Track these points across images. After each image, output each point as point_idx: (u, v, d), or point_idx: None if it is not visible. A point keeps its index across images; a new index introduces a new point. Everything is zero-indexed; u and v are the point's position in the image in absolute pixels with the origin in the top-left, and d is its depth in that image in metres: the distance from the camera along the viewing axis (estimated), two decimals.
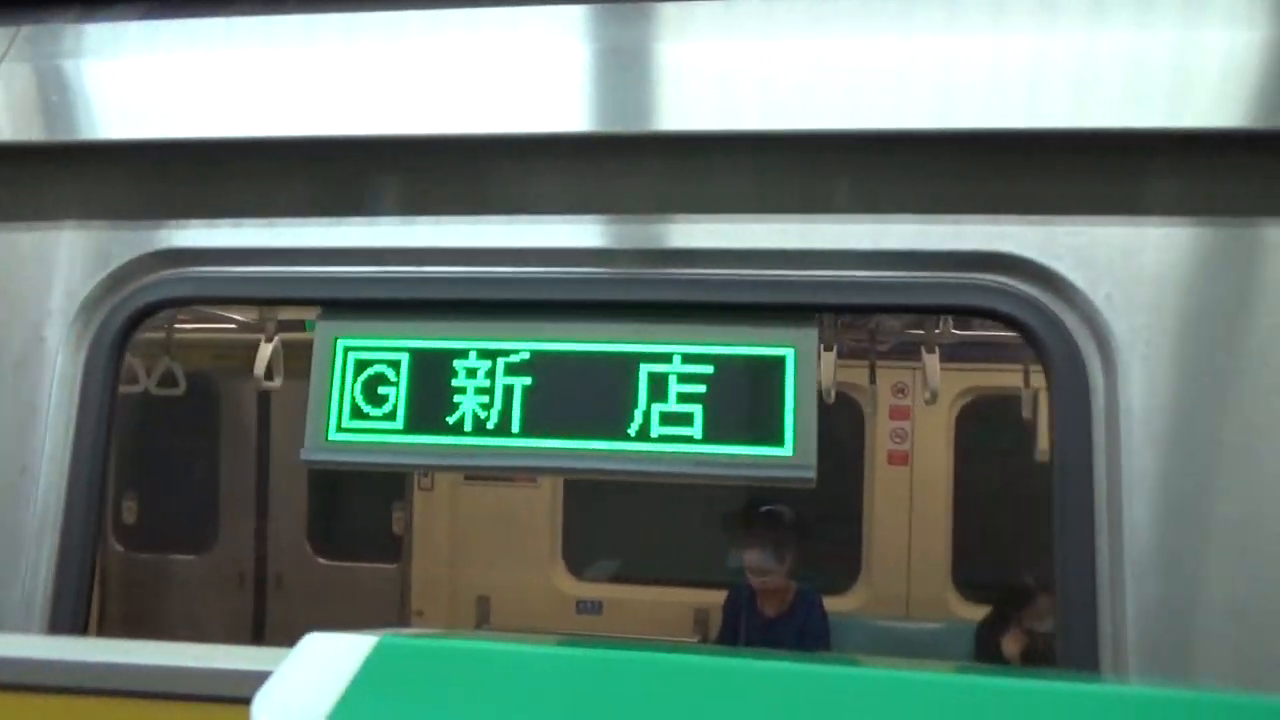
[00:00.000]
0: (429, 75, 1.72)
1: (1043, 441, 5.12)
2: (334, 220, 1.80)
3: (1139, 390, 1.52)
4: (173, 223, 1.82)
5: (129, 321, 1.82)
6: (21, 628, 1.72)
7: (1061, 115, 1.53)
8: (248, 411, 6.04)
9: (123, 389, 2.25)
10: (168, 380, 4.24)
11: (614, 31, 1.68)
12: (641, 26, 1.68)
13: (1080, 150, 1.57)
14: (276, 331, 3.19)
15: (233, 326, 4.67)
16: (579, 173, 1.73)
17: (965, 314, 1.96)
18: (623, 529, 5.66)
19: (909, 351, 4.24)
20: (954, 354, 4.54)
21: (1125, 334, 1.53)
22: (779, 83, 1.60)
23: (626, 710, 0.98)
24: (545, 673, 1.00)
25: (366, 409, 1.76)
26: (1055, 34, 1.56)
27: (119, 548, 6.15)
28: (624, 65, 1.66)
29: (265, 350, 3.14)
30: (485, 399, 1.74)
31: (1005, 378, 4.39)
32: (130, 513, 6.12)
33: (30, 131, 1.80)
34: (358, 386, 1.77)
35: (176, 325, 4.35)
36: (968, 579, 5.16)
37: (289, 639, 1.06)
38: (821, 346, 2.20)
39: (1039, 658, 4.57)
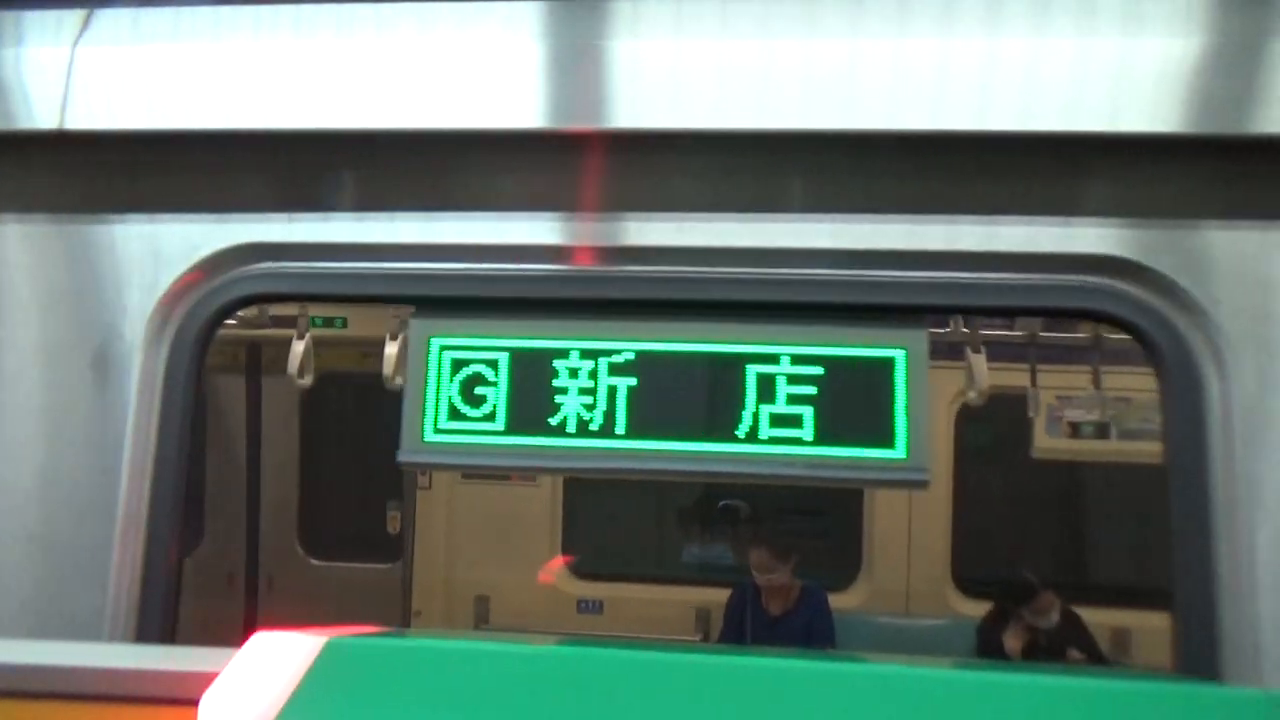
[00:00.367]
0: (522, 68, 1.68)
1: (1040, 440, 5.22)
2: (427, 215, 1.76)
3: (1253, 393, 1.54)
4: (257, 215, 1.77)
5: (213, 318, 1.76)
6: (109, 633, 1.66)
7: (1177, 120, 1.55)
8: (236, 407, 5.90)
9: None
10: None
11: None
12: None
13: (1193, 155, 1.59)
14: (308, 328, 3.12)
15: (233, 322, 4.56)
16: (689, 170, 1.71)
17: (1074, 316, 1.98)
18: (624, 527, 5.64)
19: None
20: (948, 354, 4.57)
21: (1239, 337, 1.55)
22: (903, 84, 1.59)
23: (578, 708, 0.99)
24: (493, 671, 1.01)
25: (465, 409, 1.73)
26: (1140, 40, 1.57)
27: None
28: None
29: (298, 347, 3.08)
30: (589, 400, 1.71)
31: (1003, 377, 4.43)
32: None
33: (107, 120, 1.73)
34: (455, 386, 1.74)
35: None
36: (967, 575, 5.22)
37: None
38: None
39: (1040, 653, 4.65)
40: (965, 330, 3.91)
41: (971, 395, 2.88)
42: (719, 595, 5.15)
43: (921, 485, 1.63)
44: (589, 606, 5.38)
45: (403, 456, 1.73)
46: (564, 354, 1.73)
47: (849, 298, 1.67)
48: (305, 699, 0.99)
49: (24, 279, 1.75)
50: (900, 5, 1.62)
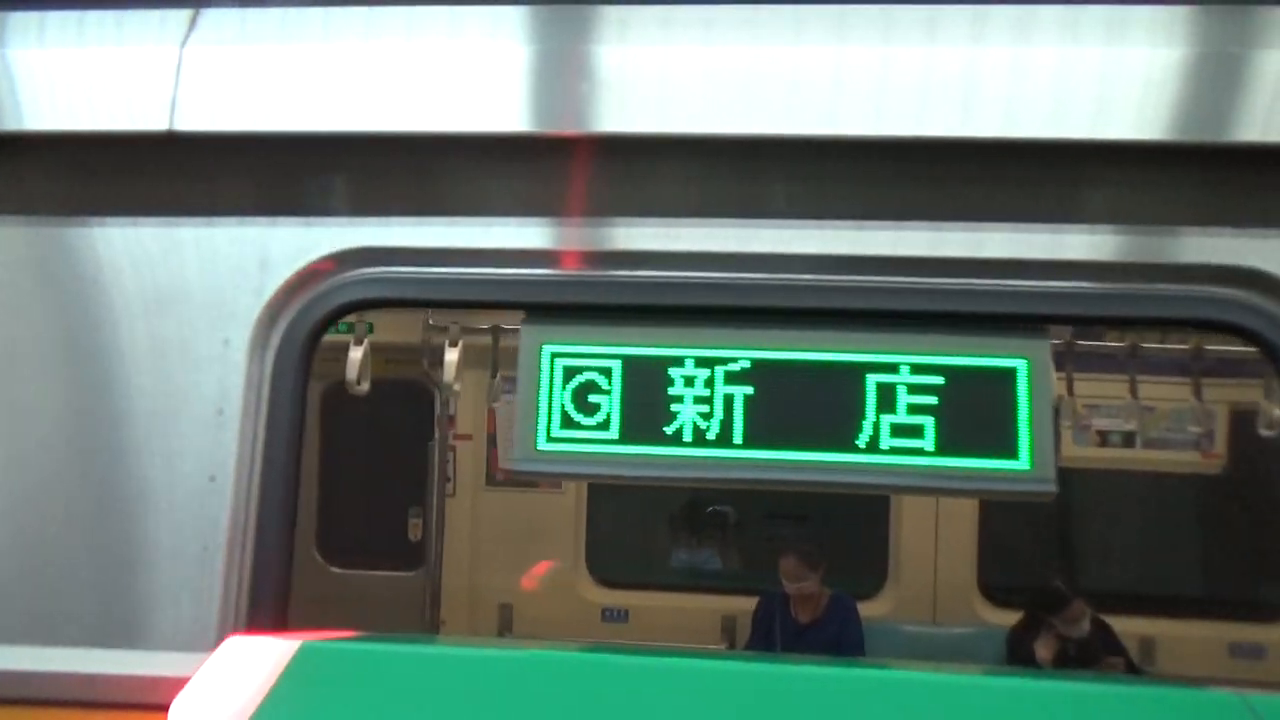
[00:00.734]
0: (648, 74, 1.67)
1: (1066, 448, 5.23)
2: (537, 220, 1.73)
3: None
4: (365, 220, 1.74)
5: (319, 323, 1.73)
6: (216, 644, 1.62)
7: None
8: None
9: None
10: None
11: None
12: None
13: None
14: (366, 334, 3.10)
15: None
16: (809, 177, 1.70)
17: (1202, 328, 1.97)
18: (648, 534, 5.62)
19: None
20: None
21: None
22: (1022, 92, 1.59)
23: (555, 713, 0.98)
24: (466, 675, 1.01)
25: (578, 417, 1.71)
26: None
27: None
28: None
29: (355, 354, 3.05)
30: (705, 409, 1.69)
31: None
32: None
33: (213, 122, 1.70)
34: (567, 394, 1.71)
35: None
36: (993, 584, 5.22)
37: None
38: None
39: (1070, 662, 4.65)
40: None
41: None
42: (745, 603, 5.13)
43: (1047, 497, 1.62)
44: (613, 615, 5.35)
45: (516, 464, 1.71)
46: (679, 362, 1.71)
47: (969, 307, 1.66)
48: (278, 703, 0.98)
49: (130, 282, 1.72)
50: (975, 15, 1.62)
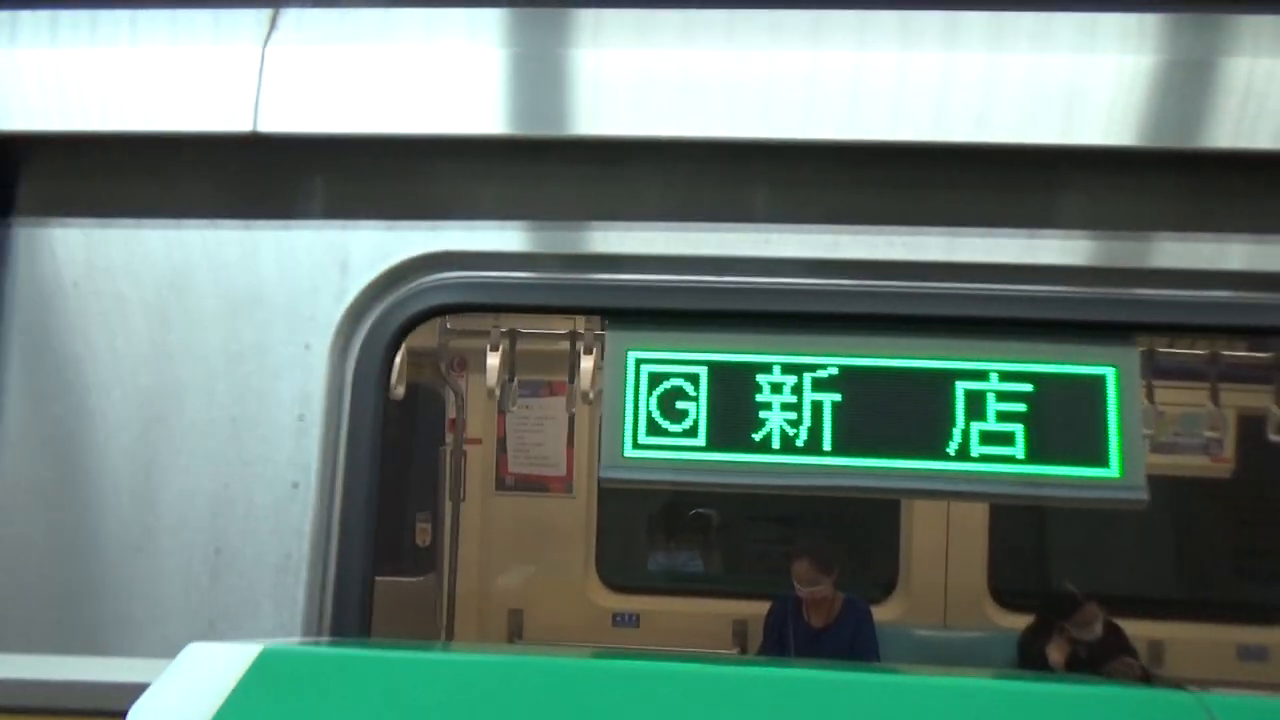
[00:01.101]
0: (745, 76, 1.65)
1: None
2: (621, 224, 1.72)
3: None
4: (449, 223, 1.72)
5: (400, 328, 1.71)
6: None
7: None
8: None
9: None
10: None
11: None
12: None
13: None
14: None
15: None
16: (899, 184, 1.69)
17: None
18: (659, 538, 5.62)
19: None
20: None
21: None
22: (1126, 99, 1.59)
23: (515, 715, 0.98)
24: (429, 680, 1.00)
25: (665, 424, 1.69)
26: None
27: None
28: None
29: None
30: (793, 415, 1.68)
31: None
32: None
33: (297, 123, 1.67)
34: (653, 401, 1.70)
35: None
36: (1004, 588, 5.26)
37: None
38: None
39: (1081, 665, 4.68)
40: None
41: None
42: (756, 608, 5.13)
43: (1139, 505, 1.62)
44: (624, 620, 5.33)
45: (604, 472, 1.69)
46: (766, 368, 1.70)
47: (1058, 314, 1.66)
48: (236, 709, 0.97)
49: (210, 285, 1.69)
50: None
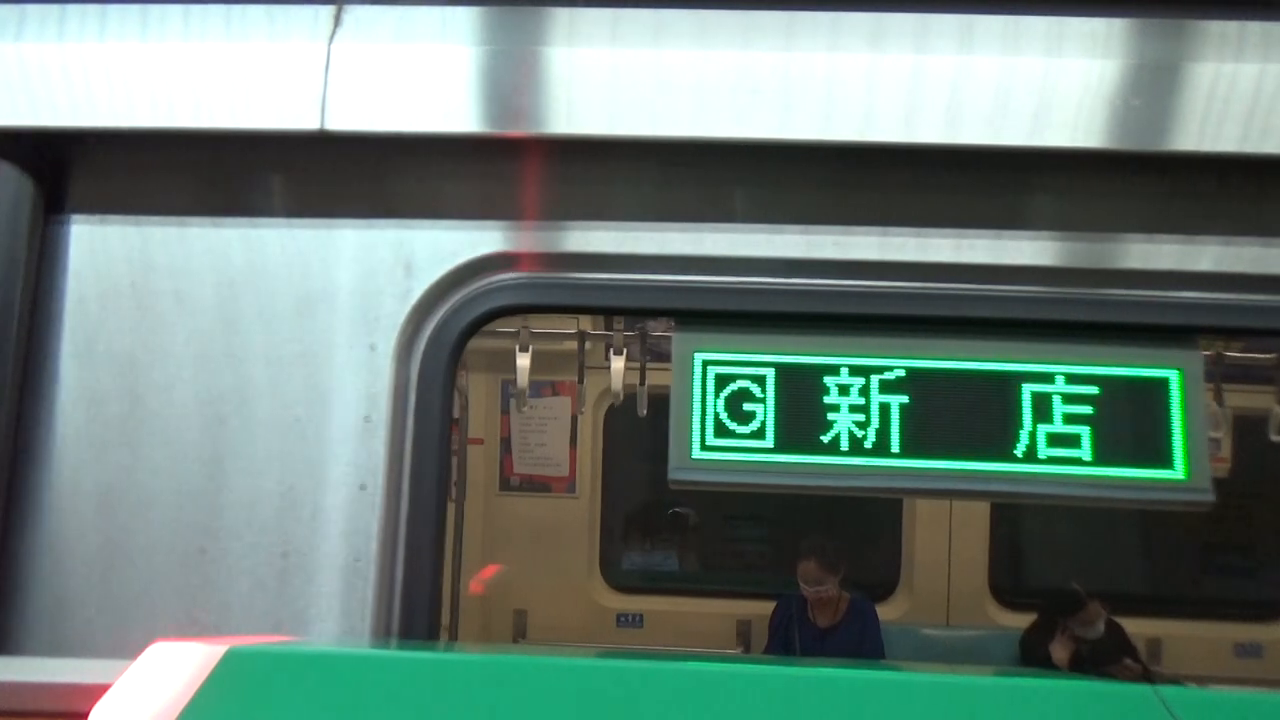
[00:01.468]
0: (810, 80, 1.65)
1: None
2: (687, 225, 1.71)
3: None
4: (514, 223, 1.71)
5: (467, 328, 1.69)
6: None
7: None
8: None
9: None
10: None
11: None
12: None
13: None
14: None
15: None
16: (947, 188, 1.70)
17: None
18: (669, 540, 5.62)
19: None
20: None
21: None
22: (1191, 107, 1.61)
23: (477, 714, 0.97)
24: (394, 679, 1.00)
25: (732, 426, 1.69)
26: None
27: None
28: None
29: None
30: (860, 417, 1.68)
31: None
32: None
33: (358, 122, 1.65)
34: (720, 403, 1.69)
35: None
36: (1004, 587, 5.30)
37: None
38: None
39: (1084, 664, 4.73)
40: None
41: None
42: (760, 607, 5.15)
43: (1204, 507, 1.64)
44: (628, 620, 5.33)
45: (672, 475, 1.68)
46: (833, 370, 1.70)
47: (1123, 318, 1.67)
48: (200, 709, 0.96)
49: (274, 284, 1.66)
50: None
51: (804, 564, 4.82)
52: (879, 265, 1.70)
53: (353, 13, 1.69)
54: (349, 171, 1.68)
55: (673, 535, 5.71)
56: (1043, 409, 1.67)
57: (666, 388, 1.73)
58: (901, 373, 1.69)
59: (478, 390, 5.29)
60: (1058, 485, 1.66)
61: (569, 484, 5.38)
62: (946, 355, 1.70)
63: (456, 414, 5.27)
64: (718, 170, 1.71)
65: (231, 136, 1.64)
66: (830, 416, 1.69)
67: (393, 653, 1.06)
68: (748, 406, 1.69)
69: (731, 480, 1.69)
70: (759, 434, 1.69)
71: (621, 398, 3.37)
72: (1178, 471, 1.65)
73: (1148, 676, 4.68)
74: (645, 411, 3.80)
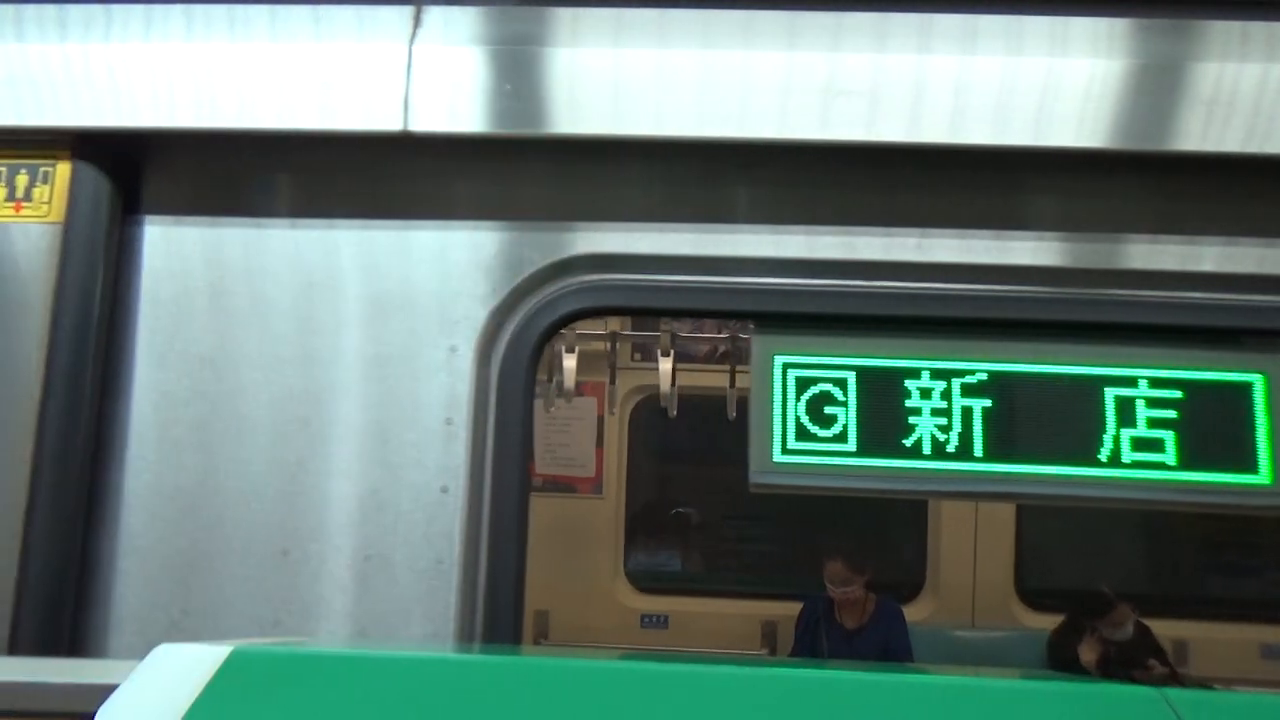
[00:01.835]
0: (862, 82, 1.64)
1: None
2: (766, 228, 1.70)
3: None
4: (592, 225, 1.70)
5: (546, 331, 1.69)
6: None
7: None
8: None
9: None
10: None
11: None
12: None
13: None
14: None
15: None
16: (1036, 189, 1.69)
17: None
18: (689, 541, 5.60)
19: None
20: None
21: None
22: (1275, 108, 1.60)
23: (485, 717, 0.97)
24: (400, 681, 0.99)
25: (813, 429, 1.68)
26: None
27: None
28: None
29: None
30: (943, 420, 1.67)
31: None
32: None
33: (441, 123, 1.64)
34: (801, 406, 1.68)
35: None
36: (1031, 588, 5.30)
37: None
38: None
39: (1112, 665, 4.73)
40: None
41: None
42: (786, 608, 5.13)
43: None
44: (652, 621, 5.32)
45: (754, 478, 1.67)
46: (914, 373, 1.69)
47: (1208, 321, 1.66)
48: (205, 710, 0.96)
49: (355, 286, 1.65)
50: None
51: (831, 565, 4.81)
52: (960, 268, 1.69)
53: (433, 13, 1.68)
54: (432, 172, 1.67)
55: (693, 537, 5.70)
56: (1126, 413, 1.66)
57: (694, 388, 1.73)
58: (984, 376, 1.69)
59: None
60: (1142, 490, 1.65)
61: (595, 485, 5.37)
62: (1029, 359, 1.69)
63: None
64: (797, 173, 1.70)
65: (314, 137, 1.63)
66: (912, 420, 1.68)
67: (400, 654, 1.06)
68: (829, 410, 1.68)
69: (814, 484, 1.68)
70: (841, 437, 1.68)
71: (676, 399, 3.36)
72: (1263, 476, 1.64)
73: (1176, 679, 4.67)
74: (675, 412, 3.80)
